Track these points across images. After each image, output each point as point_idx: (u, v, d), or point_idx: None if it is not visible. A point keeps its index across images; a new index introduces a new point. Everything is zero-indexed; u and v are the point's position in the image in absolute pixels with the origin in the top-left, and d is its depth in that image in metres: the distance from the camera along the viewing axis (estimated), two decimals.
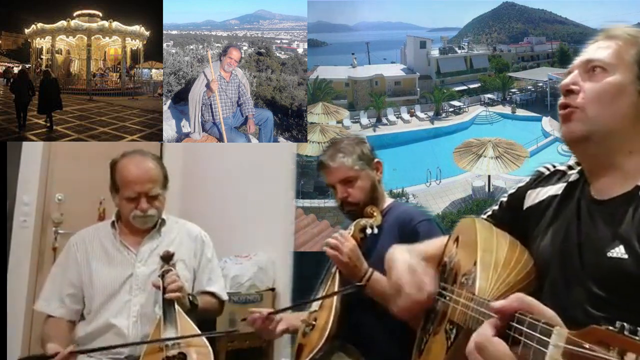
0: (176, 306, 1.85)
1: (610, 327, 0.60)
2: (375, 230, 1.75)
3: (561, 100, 1.04)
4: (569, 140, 1.03)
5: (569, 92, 1.02)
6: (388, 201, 1.93)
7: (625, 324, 0.58)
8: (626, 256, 0.89)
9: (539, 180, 1.17)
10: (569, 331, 0.65)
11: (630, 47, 1.01)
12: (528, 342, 0.71)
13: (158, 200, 2.03)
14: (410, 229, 1.74)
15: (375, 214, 1.80)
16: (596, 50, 1.04)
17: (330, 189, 1.92)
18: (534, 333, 0.70)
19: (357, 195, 1.84)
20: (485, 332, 0.80)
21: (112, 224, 2.09)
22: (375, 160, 1.90)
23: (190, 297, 1.97)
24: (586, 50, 1.06)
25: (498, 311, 0.80)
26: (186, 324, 1.85)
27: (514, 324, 0.77)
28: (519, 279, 1.00)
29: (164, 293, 1.86)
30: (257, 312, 1.84)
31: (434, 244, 1.33)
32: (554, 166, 1.18)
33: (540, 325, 0.70)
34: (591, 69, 1.02)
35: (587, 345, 0.60)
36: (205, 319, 2.10)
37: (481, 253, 1.03)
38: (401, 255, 1.27)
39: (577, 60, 1.06)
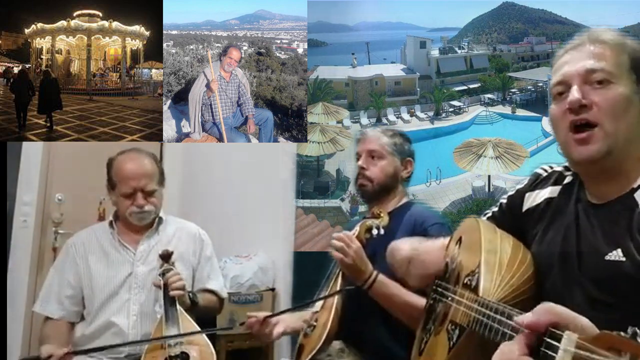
0: (178, 306, 1.85)
1: (622, 333, 0.59)
2: (382, 232, 1.73)
3: (572, 117, 0.98)
4: (589, 161, 0.98)
5: (582, 107, 0.97)
6: (404, 200, 1.92)
7: (637, 329, 0.58)
8: (624, 259, 0.90)
9: (537, 182, 1.17)
10: (579, 336, 0.64)
11: (620, 54, 0.99)
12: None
13: (154, 197, 2.04)
14: (421, 230, 1.73)
15: (382, 214, 1.78)
16: (590, 59, 0.99)
17: (342, 179, 1.96)
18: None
19: (374, 172, 1.87)
20: (511, 352, 0.73)
21: (110, 223, 2.09)
22: (407, 158, 1.92)
23: (191, 294, 1.98)
24: (568, 60, 1.02)
25: (529, 326, 0.73)
26: (188, 324, 1.85)
27: (547, 339, 0.70)
28: (522, 280, 1.00)
29: (165, 292, 1.86)
30: (254, 317, 1.81)
31: (436, 241, 1.37)
32: (551, 167, 1.17)
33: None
34: (595, 80, 0.98)
35: (600, 351, 0.59)
36: (205, 316, 2.10)
37: (485, 254, 1.02)
38: (401, 242, 1.42)
39: (568, 70, 1.01)
